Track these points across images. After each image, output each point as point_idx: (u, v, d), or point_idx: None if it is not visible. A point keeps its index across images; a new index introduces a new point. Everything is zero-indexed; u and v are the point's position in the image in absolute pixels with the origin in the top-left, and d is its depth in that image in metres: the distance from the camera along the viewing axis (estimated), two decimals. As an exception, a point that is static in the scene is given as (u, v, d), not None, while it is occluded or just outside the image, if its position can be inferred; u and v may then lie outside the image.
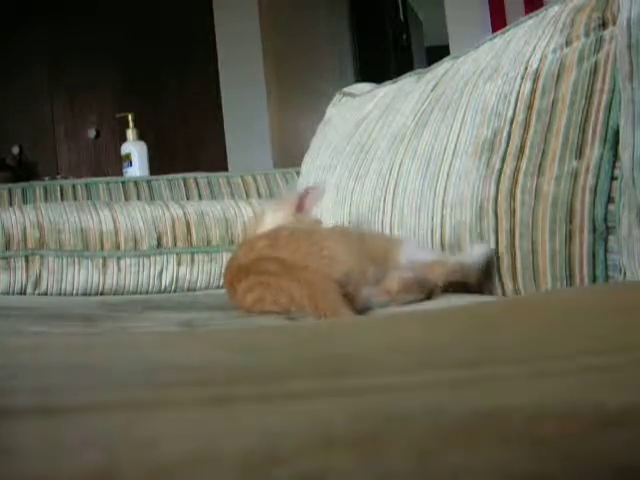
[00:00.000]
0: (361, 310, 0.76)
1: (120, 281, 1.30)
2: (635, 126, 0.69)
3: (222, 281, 1.34)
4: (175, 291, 1.35)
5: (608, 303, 0.41)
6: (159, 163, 2.40)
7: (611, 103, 0.77)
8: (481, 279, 0.87)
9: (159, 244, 1.33)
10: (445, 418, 0.17)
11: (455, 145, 0.97)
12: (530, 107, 0.86)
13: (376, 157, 1.18)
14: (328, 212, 1.33)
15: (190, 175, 1.63)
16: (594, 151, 0.78)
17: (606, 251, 0.77)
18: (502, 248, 0.86)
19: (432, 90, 1.11)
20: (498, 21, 2.58)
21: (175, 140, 3.10)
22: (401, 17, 4.63)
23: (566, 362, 0.23)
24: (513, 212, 0.85)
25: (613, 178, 0.76)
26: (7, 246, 1.23)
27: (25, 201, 1.46)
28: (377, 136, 1.22)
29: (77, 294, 1.27)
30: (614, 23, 0.80)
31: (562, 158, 0.81)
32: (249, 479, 0.14)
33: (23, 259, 1.24)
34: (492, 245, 0.87)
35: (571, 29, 0.84)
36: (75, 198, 1.49)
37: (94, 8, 3.11)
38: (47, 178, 2.33)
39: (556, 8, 0.90)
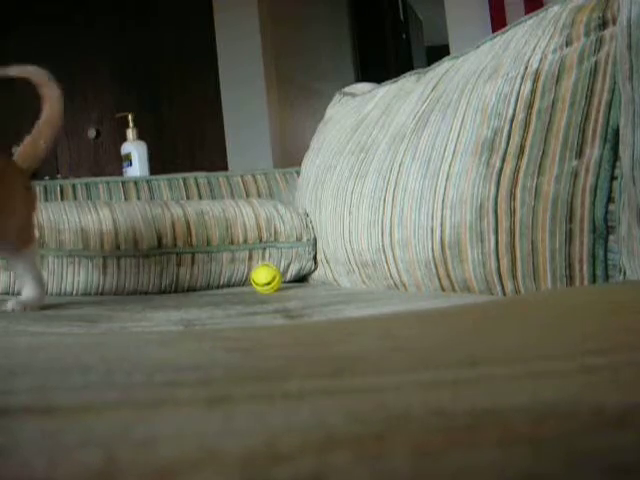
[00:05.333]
0: None
1: (120, 281, 1.30)
2: (635, 126, 0.69)
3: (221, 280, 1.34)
4: (175, 291, 1.35)
5: (608, 303, 0.41)
6: (159, 163, 2.40)
7: (611, 103, 0.77)
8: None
9: (159, 244, 1.33)
10: (445, 418, 0.17)
11: (455, 145, 0.97)
12: (530, 107, 0.86)
13: (376, 157, 1.18)
14: (328, 212, 1.33)
15: (190, 175, 1.63)
16: (594, 151, 0.78)
17: (606, 251, 0.77)
18: (502, 248, 0.86)
19: (432, 90, 1.11)
20: (498, 21, 2.58)
21: (175, 140, 3.11)
22: (401, 17, 4.63)
23: (566, 362, 0.23)
24: (513, 212, 0.85)
25: (613, 178, 0.76)
26: (7, 246, 1.23)
27: (25, 201, 1.46)
28: (377, 136, 1.22)
29: (77, 294, 1.27)
30: (614, 23, 0.80)
31: (562, 158, 0.81)
32: (249, 479, 0.14)
33: (23, 259, 1.24)
34: (492, 245, 0.87)
35: (571, 29, 0.84)
36: (75, 198, 1.49)
37: (94, 8, 3.11)
38: (47, 178, 2.33)
39: (556, 8, 0.90)
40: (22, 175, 0.98)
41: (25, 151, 1.00)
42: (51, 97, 1.01)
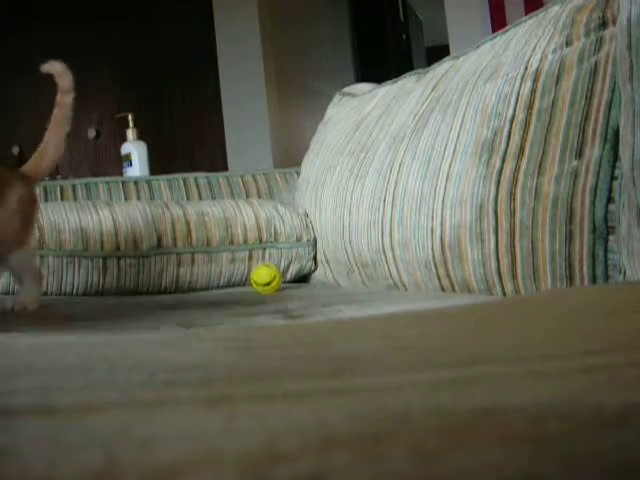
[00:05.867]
0: None
1: (120, 281, 1.30)
2: (635, 126, 0.69)
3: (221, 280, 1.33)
4: (175, 291, 1.35)
5: (608, 303, 0.41)
6: (159, 163, 2.40)
7: (611, 103, 0.77)
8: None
9: (159, 244, 1.33)
10: (445, 418, 0.17)
11: (455, 145, 0.97)
12: (530, 107, 0.86)
13: (376, 157, 1.18)
14: (328, 212, 1.33)
15: (190, 175, 1.63)
16: (594, 151, 0.78)
17: (606, 251, 0.77)
18: (502, 248, 0.86)
19: (432, 90, 1.11)
20: (498, 21, 2.58)
21: (175, 140, 3.11)
22: (401, 17, 4.63)
23: (566, 362, 0.23)
24: (513, 212, 0.85)
25: (613, 178, 0.76)
26: (7, 246, 1.23)
27: (25, 201, 1.46)
28: (377, 136, 1.22)
29: (77, 294, 1.27)
30: (614, 23, 0.80)
31: (562, 158, 0.81)
32: (249, 479, 0.14)
33: (23, 259, 1.24)
34: (492, 245, 0.87)
35: (571, 29, 0.84)
36: (75, 198, 1.49)
37: (94, 8, 3.11)
38: (47, 178, 2.33)
39: (556, 8, 0.90)
40: (23, 182, 1.00)
41: (34, 159, 1.04)
42: (62, 104, 1.03)
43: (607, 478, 0.13)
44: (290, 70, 3.29)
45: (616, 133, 0.76)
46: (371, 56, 4.15)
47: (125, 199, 1.52)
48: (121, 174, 2.02)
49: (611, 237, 0.76)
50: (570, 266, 0.79)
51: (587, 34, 0.82)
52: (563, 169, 0.80)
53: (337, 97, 1.63)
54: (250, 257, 1.39)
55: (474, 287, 0.93)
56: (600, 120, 0.78)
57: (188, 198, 1.57)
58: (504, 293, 0.88)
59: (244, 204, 1.44)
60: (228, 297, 1.18)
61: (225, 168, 2.89)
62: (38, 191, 1.46)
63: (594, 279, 0.77)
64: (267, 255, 1.40)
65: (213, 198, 1.58)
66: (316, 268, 1.45)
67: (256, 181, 1.64)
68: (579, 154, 0.79)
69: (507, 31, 1.01)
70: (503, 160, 0.87)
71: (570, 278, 0.79)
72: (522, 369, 0.22)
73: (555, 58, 0.85)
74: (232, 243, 1.38)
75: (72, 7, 3.09)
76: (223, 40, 3.04)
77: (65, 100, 1.03)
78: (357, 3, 4.20)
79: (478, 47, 1.07)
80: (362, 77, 3.92)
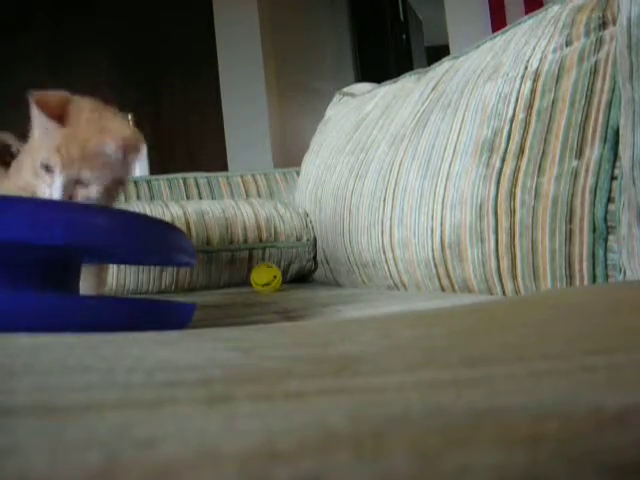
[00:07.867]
0: None
1: (120, 281, 1.30)
2: (635, 126, 0.69)
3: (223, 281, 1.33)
4: (175, 291, 1.35)
5: (608, 303, 0.41)
6: (159, 162, 2.40)
7: (611, 103, 0.77)
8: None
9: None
10: (445, 418, 0.17)
11: (455, 145, 0.97)
12: (530, 107, 0.86)
13: (376, 157, 1.18)
14: (328, 212, 1.33)
15: (190, 175, 1.63)
16: (594, 151, 0.78)
17: (606, 251, 0.77)
18: (502, 248, 0.86)
19: (432, 90, 1.11)
20: (498, 21, 2.58)
21: (175, 140, 3.11)
22: (401, 17, 4.63)
23: (566, 362, 0.23)
24: (513, 212, 0.85)
25: (613, 178, 0.76)
26: (7, 246, 1.23)
27: (25, 201, 1.46)
28: (377, 136, 1.22)
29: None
30: (614, 23, 0.80)
31: (562, 158, 0.81)
32: (249, 479, 0.14)
33: (23, 259, 1.24)
34: (492, 245, 0.87)
35: (571, 29, 0.84)
36: (75, 198, 1.49)
37: (94, 8, 3.11)
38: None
39: (556, 8, 0.90)
40: None
41: None
42: None
43: (607, 478, 0.13)
44: (290, 70, 3.29)
45: (616, 133, 0.76)
46: (371, 56, 4.15)
47: (125, 199, 1.52)
48: (121, 174, 2.02)
49: (611, 237, 0.76)
50: (570, 266, 0.79)
51: (587, 34, 0.82)
52: (563, 169, 0.80)
53: (337, 97, 1.63)
54: (250, 257, 1.39)
55: (474, 287, 0.93)
56: (600, 120, 0.78)
57: (188, 198, 1.57)
58: (504, 293, 0.88)
59: (244, 204, 1.44)
60: (228, 297, 1.18)
61: (225, 168, 2.89)
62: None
63: (594, 279, 0.77)
64: (267, 255, 1.40)
65: (213, 198, 1.58)
66: (316, 268, 1.45)
67: (256, 181, 1.64)
68: (579, 154, 0.79)
69: (507, 31, 1.01)
70: (503, 160, 0.87)
71: (570, 278, 0.79)
72: (522, 369, 0.22)
73: (555, 58, 0.85)
74: (232, 243, 1.38)
75: (73, 7, 3.09)
76: (223, 40, 3.04)
77: None
78: (357, 3, 4.20)
79: (478, 47, 1.07)
80: (362, 77, 3.92)
